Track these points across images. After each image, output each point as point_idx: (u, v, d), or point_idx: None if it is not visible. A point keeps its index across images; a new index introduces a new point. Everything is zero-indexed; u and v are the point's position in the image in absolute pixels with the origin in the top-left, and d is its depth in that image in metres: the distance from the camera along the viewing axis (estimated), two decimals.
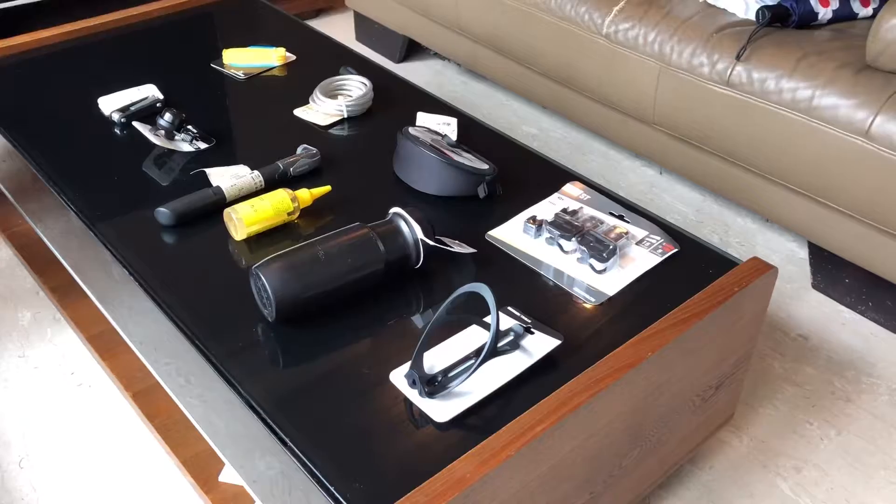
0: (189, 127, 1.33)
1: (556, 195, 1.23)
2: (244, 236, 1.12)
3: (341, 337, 0.98)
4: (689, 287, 1.07)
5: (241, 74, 1.53)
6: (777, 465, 1.29)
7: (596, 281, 1.06)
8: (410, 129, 1.25)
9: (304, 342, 0.97)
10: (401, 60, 2.48)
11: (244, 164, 1.27)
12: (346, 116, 1.40)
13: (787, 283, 1.66)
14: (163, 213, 1.13)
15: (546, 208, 1.19)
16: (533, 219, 1.13)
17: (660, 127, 1.72)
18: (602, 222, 1.14)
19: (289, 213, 1.14)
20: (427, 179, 1.22)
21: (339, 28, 2.68)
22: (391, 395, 0.90)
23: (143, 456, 1.28)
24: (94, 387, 1.39)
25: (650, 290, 1.06)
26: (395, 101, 1.47)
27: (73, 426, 1.32)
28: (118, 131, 1.35)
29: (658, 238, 1.14)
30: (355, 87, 1.46)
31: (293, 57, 1.60)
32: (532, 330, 0.98)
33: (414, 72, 2.44)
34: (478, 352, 0.94)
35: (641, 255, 1.11)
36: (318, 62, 1.60)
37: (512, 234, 1.15)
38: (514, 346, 0.95)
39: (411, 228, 1.03)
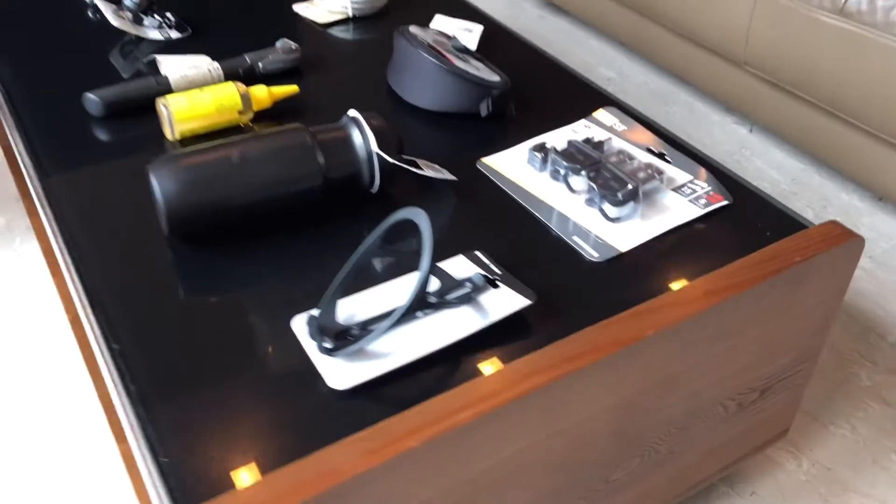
0: (166, 14, 1.13)
1: (583, 121, 0.95)
2: (178, 135, 0.90)
3: (250, 267, 0.75)
4: (735, 251, 0.78)
5: None
6: (843, 501, 0.98)
7: (606, 231, 0.79)
8: (411, 28, 1.00)
9: (200, 267, 0.75)
10: None
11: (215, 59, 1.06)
12: (351, 15, 1.16)
13: (892, 273, 1.32)
14: (92, 100, 0.93)
15: (564, 136, 0.92)
16: (541, 147, 0.87)
17: (752, 69, 1.39)
18: (632, 158, 0.87)
19: (239, 112, 0.92)
20: (420, 89, 0.97)
21: None
22: (285, 347, 0.67)
23: (74, 384, 1.10)
24: (42, 303, 1.23)
25: (679, 249, 0.79)
26: (416, 2, 1.22)
27: (12, 340, 1.16)
28: (90, 14, 1.16)
29: (704, 185, 0.85)
30: None
31: None
32: (498, 283, 0.72)
33: (488, 1, 2.17)
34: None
35: (677, 205, 0.83)
36: None
37: (511, 163, 0.89)
38: (467, 300, 0.70)
39: (365, 138, 0.79)
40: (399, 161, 0.81)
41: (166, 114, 0.89)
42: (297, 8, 1.18)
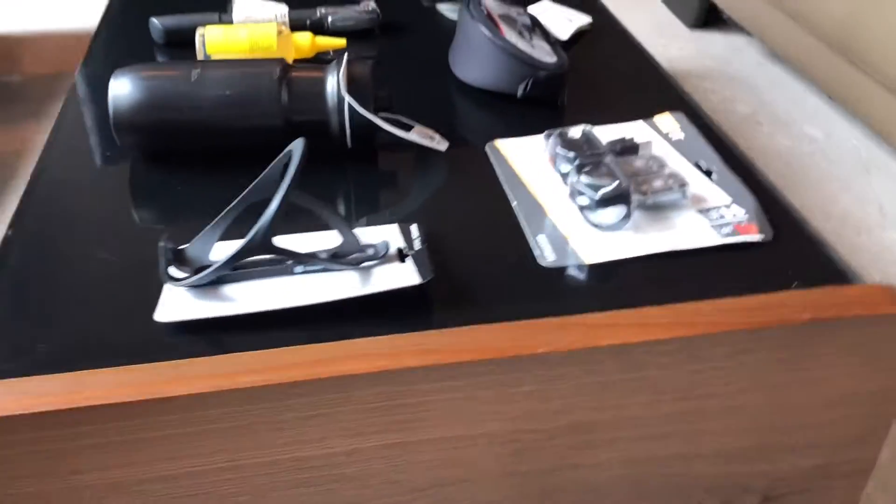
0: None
1: (639, 122, 0.79)
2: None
3: (183, 189, 0.70)
4: (737, 292, 0.59)
5: None
6: None
7: (581, 236, 0.64)
8: (485, 0, 0.90)
9: (131, 180, 0.72)
10: (696, 26, 2.03)
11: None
12: None
13: None
14: (154, 26, 0.95)
15: (606, 132, 0.77)
16: (562, 134, 0.73)
17: None
18: (663, 167, 0.69)
19: (273, 54, 0.88)
20: (465, 61, 0.87)
21: None
22: (145, 274, 0.61)
23: None
24: None
25: (668, 277, 0.61)
26: None
27: None
28: None
29: (740, 213, 0.66)
30: None
31: None
32: (405, 258, 0.61)
33: (708, 42, 1.97)
34: (336, 254, 0.60)
35: (693, 227, 0.65)
36: None
37: (522, 150, 0.75)
38: (355, 263, 0.59)
39: (338, 84, 0.71)
40: (375, 116, 0.71)
41: (200, 43, 0.87)
42: None
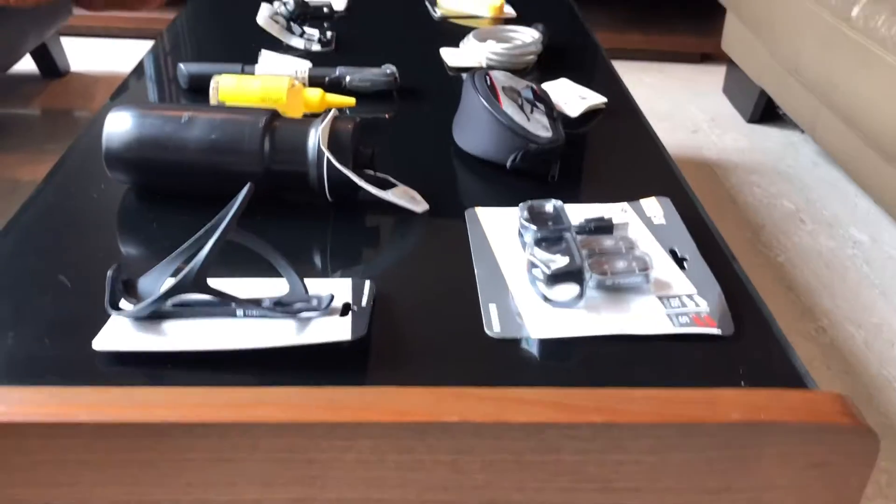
0: (311, 29, 1.18)
1: (623, 204, 0.78)
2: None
3: (160, 223, 0.72)
4: (673, 384, 0.57)
5: (437, 13, 1.32)
6: None
7: (532, 310, 0.62)
8: (492, 72, 0.92)
9: (113, 207, 0.74)
10: (754, 120, 2.00)
11: None
12: (484, 65, 1.11)
13: None
14: (180, 71, 1.00)
15: (580, 210, 0.76)
16: (532, 207, 0.72)
17: None
18: (631, 249, 0.68)
19: (283, 107, 0.91)
20: (464, 130, 0.88)
21: (712, 75, 2.28)
22: (96, 300, 0.63)
23: None
24: None
25: (606, 360, 0.59)
26: (571, 67, 1.12)
27: None
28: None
29: (701, 305, 0.64)
30: (519, 38, 1.15)
31: (512, 13, 1.34)
32: (350, 311, 0.60)
33: (764, 136, 1.94)
34: (257, 302, 0.61)
35: (649, 313, 0.63)
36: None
37: (500, 219, 0.75)
38: (294, 312, 0.59)
39: (318, 138, 0.73)
40: (352, 172, 0.72)
41: (214, 90, 0.91)
42: (442, 51, 1.16)
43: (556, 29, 1.25)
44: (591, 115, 0.99)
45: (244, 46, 1.16)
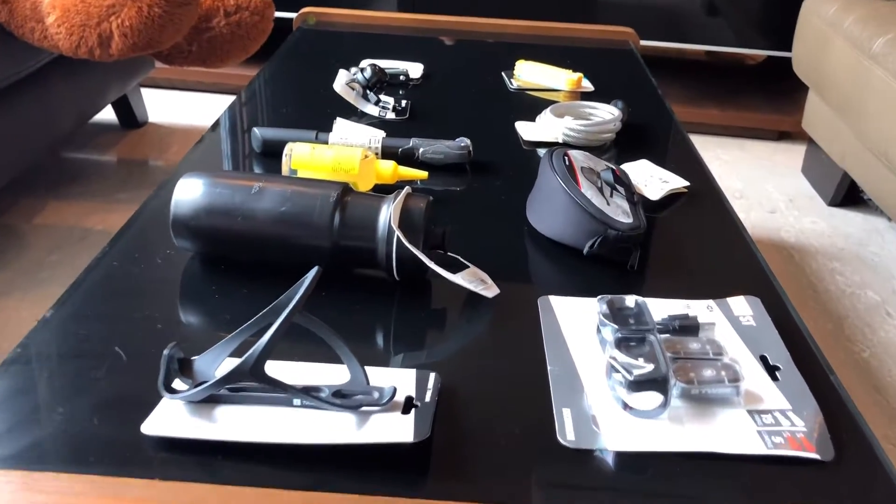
0: (387, 97, 1.17)
1: (709, 302, 0.73)
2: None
3: (214, 300, 0.70)
4: None
5: (513, 84, 1.30)
6: None
7: (610, 418, 0.58)
8: (572, 151, 0.88)
9: (178, 276, 0.72)
10: (835, 203, 1.92)
11: None
12: (560, 141, 1.07)
13: None
14: (255, 135, 0.99)
15: (662, 306, 0.71)
16: (612, 302, 0.67)
17: None
18: (720, 355, 0.63)
19: (355, 178, 0.89)
20: (540, 211, 0.84)
21: (791, 154, 2.21)
22: (149, 378, 0.60)
23: None
24: None
25: (700, 483, 0.53)
26: (651, 146, 1.08)
27: None
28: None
29: (798, 425, 0.58)
30: (599, 115, 1.12)
31: (589, 87, 1.31)
32: (410, 408, 0.56)
33: (845, 220, 1.86)
34: (300, 390, 0.57)
35: (738, 429, 0.57)
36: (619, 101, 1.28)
37: (575, 310, 0.71)
38: (355, 406, 0.56)
39: (389, 216, 0.70)
40: (422, 252, 0.69)
41: (287, 157, 0.90)
42: (518, 125, 1.13)
43: (636, 105, 1.22)
44: (672, 198, 0.94)
45: (320, 112, 1.16)
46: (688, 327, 0.66)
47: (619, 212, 0.80)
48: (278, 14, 1.83)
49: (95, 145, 2.03)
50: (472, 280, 0.71)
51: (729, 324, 0.69)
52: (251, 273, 0.74)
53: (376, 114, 1.14)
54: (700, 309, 0.72)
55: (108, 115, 2.12)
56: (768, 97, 2.43)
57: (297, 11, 1.77)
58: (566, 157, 0.86)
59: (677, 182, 0.95)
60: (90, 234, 1.61)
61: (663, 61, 2.61)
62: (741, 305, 0.72)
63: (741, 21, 2.30)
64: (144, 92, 2.24)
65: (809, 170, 2.07)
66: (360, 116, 1.14)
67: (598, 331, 0.65)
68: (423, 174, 0.91)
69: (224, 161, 0.99)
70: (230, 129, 1.09)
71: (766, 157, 2.20)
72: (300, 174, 0.89)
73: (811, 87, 1.95)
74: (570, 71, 1.31)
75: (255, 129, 0.99)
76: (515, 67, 1.34)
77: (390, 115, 1.14)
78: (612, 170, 0.88)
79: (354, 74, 1.15)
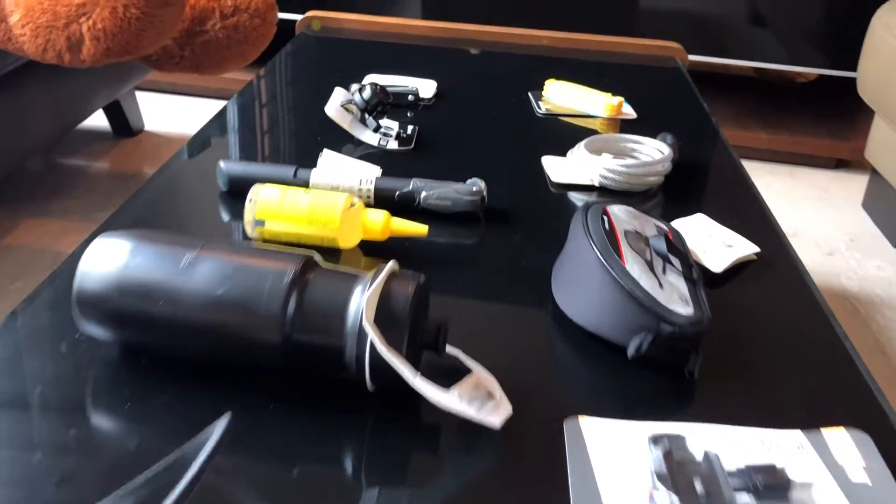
0: (389, 123, 0.98)
1: (798, 434, 0.53)
2: (257, 234, 0.72)
3: (122, 410, 0.52)
4: None
5: (541, 108, 1.11)
6: None
7: None
8: (612, 207, 0.69)
9: (67, 364, 0.54)
10: None
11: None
12: (596, 184, 0.88)
13: None
14: (220, 171, 0.81)
15: (735, 444, 0.51)
16: (671, 453, 0.48)
17: None
18: None
19: (335, 231, 0.70)
20: (569, 289, 0.65)
21: (850, 185, 1.99)
22: None
23: None
24: None
25: None
26: (707, 193, 0.88)
27: None
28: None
29: None
30: (647, 152, 0.92)
31: (631, 114, 1.11)
32: None
33: None
34: None
35: None
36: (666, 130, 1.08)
37: (614, 439, 0.51)
38: None
39: (361, 306, 0.51)
40: (402, 361, 0.50)
41: (250, 204, 0.71)
42: (545, 161, 0.94)
43: (686, 138, 1.03)
44: (736, 268, 0.75)
45: (308, 139, 0.98)
46: (775, 486, 0.47)
47: (675, 296, 0.60)
48: (282, 15, 1.66)
49: (84, 154, 1.86)
50: (475, 398, 0.52)
51: (832, 477, 0.50)
52: (180, 372, 0.55)
53: (375, 143, 0.95)
54: (787, 447, 0.52)
55: (101, 121, 1.95)
56: (823, 120, 2.21)
57: (303, 13, 1.59)
58: (605, 218, 0.66)
59: (744, 247, 0.75)
60: (62, 259, 1.44)
61: (703, 76, 2.40)
62: (844, 444, 0.52)
63: (794, 35, 2.09)
64: (141, 96, 2.07)
65: (872, 205, 1.85)
66: (356, 145, 0.95)
67: (652, 498, 0.46)
68: (423, 229, 0.72)
69: (178, 205, 0.81)
70: (196, 158, 0.91)
71: (821, 188, 1.98)
72: (268, 226, 0.71)
73: (878, 112, 1.74)
74: (609, 94, 1.12)
75: (222, 164, 0.81)
76: (545, 88, 1.15)
77: (392, 144, 0.95)
78: (665, 234, 0.68)
79: (353, 94, 0.97)
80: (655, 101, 1.19)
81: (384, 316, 0.51)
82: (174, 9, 1.23)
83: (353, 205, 0.71)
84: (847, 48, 2.03)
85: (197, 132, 0.97)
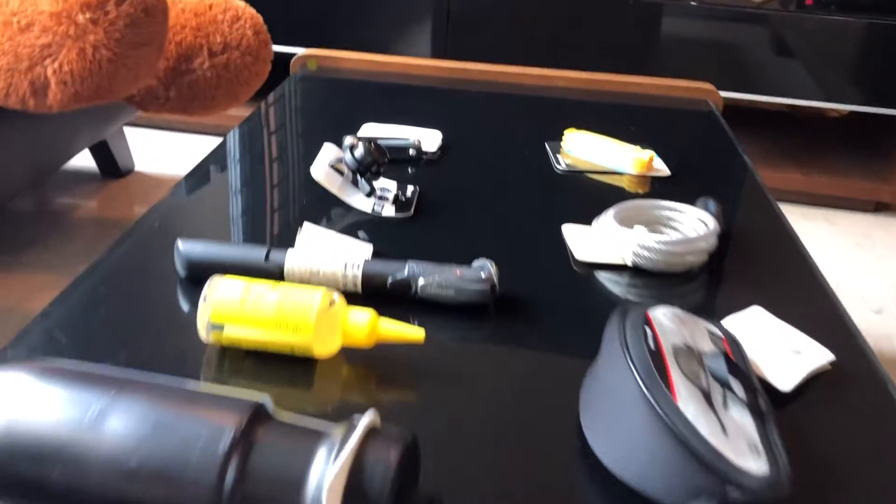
0: (385, 184, 0.85)
1: None
2: (212, 340, 0.58)
3: None
4: None
5: (561, 164, 0.98)
6: None
7: None
8: (657, 311, 0.55)
9: None
10: None
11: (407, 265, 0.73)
12: (630, 264, 0.74)
13: None
14: (178, 253, 0.67)
15: None
16: None
17: None
18: None
19: (309, 337, 0.57)
20: (599, 417, 0.51)
21: (894, 230, 1.84)
22: None
23: None
24: None
25: None
26: (762, 274, 0.74)
27: None
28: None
29: None
30: (687, 224, 0.78)
31: (664, 170, 0.97)
32: None
33: None
34: None
35: None
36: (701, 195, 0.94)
37: None
38: None
39: (322, 483, 0.37)
40: None
41: (203, 305, 0.58)
42: (565, 229, 0.80)
43: (727, 198, 0.89)
44: (805, 383, 0.60)
45: (290, 204, 0.85)
46: None
47: (742, 443, 0.46)
48: (277, 48, 1.54)
49: (69, 196, 1.74)
50: None
51: None
52: None
53: (368, 209, 0.82)
54: None
55: (90, 158, 1.84)
56: (859, 159, 2.06)
57: (305, 45, 1.47)
58: (648, 329, 0.52)
59: (816, 354, 0.61)
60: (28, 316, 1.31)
61: (726, 107, 2.27)
62: None
63: (827, 70, 1.95)
64: (133, 132, 1.96)
65: None
66: (346, 210, 0.82)
67: None
68: (418, 335, 0.58)
69: (127, 295, 0.68)
70: (156, 230, 0.78)
71: (862, 234, 1.84)
72: (227, 332, 0.57)
73: None
74: (638, 147, 0.98)
75: (179, 243, 0.67)
76: (564, 139, 1.02)
77: (388, 211, 0.82)
78: (723, 349, 0.54)
79: (345, 152, 0.83)
80: (689, 154, 1.05)
81: (356, 498, 0.37)
82: (150, 49, 1.11)
83: (332, 303, 0.58)
84: (883, 84, 1.90)
85: (160, 201, 0.84)
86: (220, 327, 0.57)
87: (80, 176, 1.83)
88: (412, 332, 0.58)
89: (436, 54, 1.96)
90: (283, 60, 1.48)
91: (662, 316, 0.55)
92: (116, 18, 1.05)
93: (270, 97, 1.17)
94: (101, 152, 1.78)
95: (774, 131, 2.20)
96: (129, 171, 1.85)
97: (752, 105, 2.29)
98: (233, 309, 0.57)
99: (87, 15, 1.03)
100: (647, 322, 0.54)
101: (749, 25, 1.91)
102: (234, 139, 1.02)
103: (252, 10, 1.41)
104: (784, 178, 1.95)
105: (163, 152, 2.00)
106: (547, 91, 1.29)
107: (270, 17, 1.47)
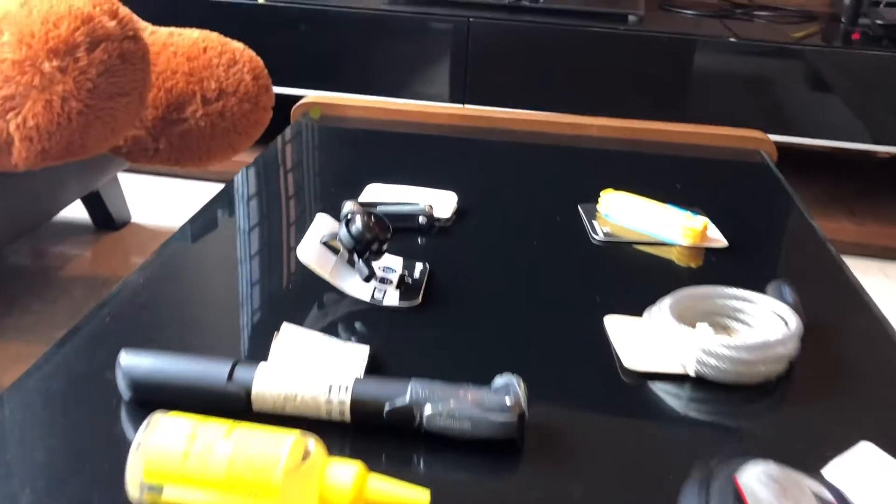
0: (397, 260, 0.71)
1: None
2: (145, 501, 0.44)
3: None
4: None
5: (599, 233, 0.83)
6: None
7: None
8: (748, 478, 0.40)
9: None
10: None
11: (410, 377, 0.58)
12: (692, 374, 0.59)
13: None
14: (120, 370, 0.53)
15: None
16: None
17: None
18: None
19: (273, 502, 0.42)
20: None
21: None
22: None
23: None
24: None
25: None
26: (860, 389, 0.59)
27: None
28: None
29: None
30: (759, 318, 0.63)
31: (720, 241, 0.82)
32: None
33: None
34: None
35: None
36: (762, 269, 0.79)
37: None
38: None
39: None
40: None
41: (137, 452, 0.43)
42: (610, 326, 0.65)
43: (796, 277, 0.74)
44: None
45: (273, 297, 0.71)
46: None
47: None
48: (280, 90, 1.41)
49: (58, 251, 1.62)
50: None
51: None
52: None
53: (367, 297, 0.67)
54: None
55: (82, 212, 1.72)
56: None
57: (307, 87, 1.34)
58: (731, 471, 0.37)
59: None
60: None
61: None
62: None
63: (873, 111, 1.79)
64: (130, 179, 1.84)
65: None
66: (340, 297, 0.68)
67: None
68: (420, 500, 0.44)
69: (60, 425, 0.54)
70: (107, 327, 0.64)
71: None
72: (166, 495, 0.43)
73: None
74: (689, 213, 0.83)
75: (122, 356, 0.53)
76: (601, 202, 0.87)
77: (391, 298, 0.67)
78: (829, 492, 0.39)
79: (340, 230, 0.69)
80: (747, 217, 0.90)
81: None
82: (129, 99, 0.98)
83: (306, 455, 0.43)
84: None
85: (112, 291, 0.70)
86: (158, 489, 0.43)
87: (73, 228, 1.71)
88: (412, 497, 0.43)
89: (454, 98, 1.83)
90: (289, 102, 1.35)
91: (756, 481, 0.40)
92: (88, 66, 0.92)
93: (258, 159, 1.03)
94: (94, 203, 1.66)
95: (817, 173, 2.04)
96: (125, 222, 1.73)
97: (793, 147, 2.14)
98: (173, 464, 0.43)
99: (55, 63, 0.91)
100: (738, 493, 0.39)
101: (791, 62, 1.76)
102: (213, 211, 0.88)
103: (251, 53, 1.28)
104: (835, 227, 1.79)
105: (162, 200, 1.88)
106: (577, 140, 1.15)
107: (272, 57, 1.35)
